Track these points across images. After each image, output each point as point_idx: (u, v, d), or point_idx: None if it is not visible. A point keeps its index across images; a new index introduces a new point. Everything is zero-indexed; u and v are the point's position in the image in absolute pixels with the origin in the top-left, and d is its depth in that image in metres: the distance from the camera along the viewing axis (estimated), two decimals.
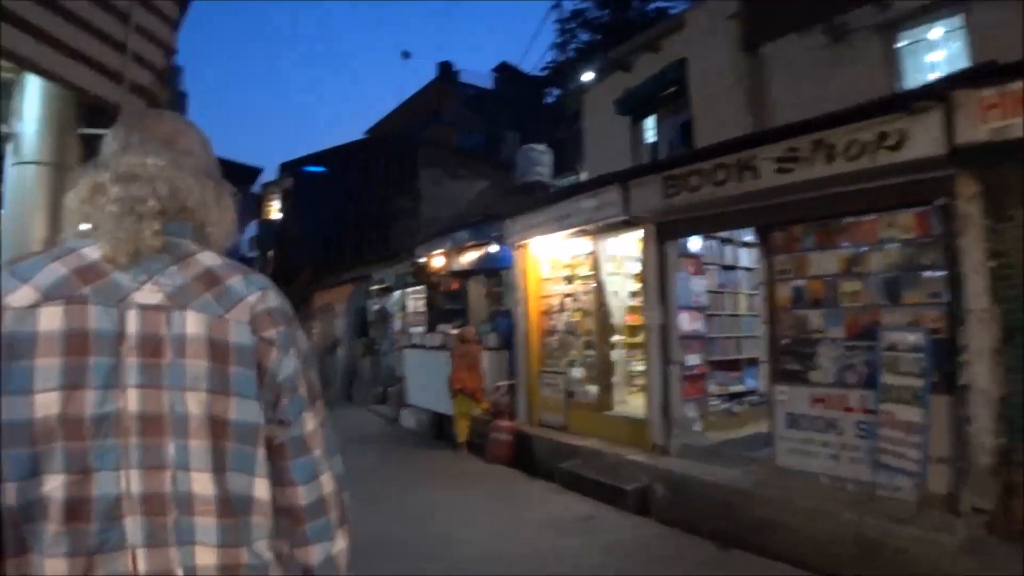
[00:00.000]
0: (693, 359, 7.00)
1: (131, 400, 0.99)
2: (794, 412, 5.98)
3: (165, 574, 0.98)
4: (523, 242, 8.68)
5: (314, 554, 1.15)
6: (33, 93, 3.41)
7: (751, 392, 7.88)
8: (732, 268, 7.86)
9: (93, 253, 1.05)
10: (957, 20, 8.24)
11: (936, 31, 8.45)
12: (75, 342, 0.97)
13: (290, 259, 18.41)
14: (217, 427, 1.03)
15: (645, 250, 7.12)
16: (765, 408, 7.96)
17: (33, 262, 1.03)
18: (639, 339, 8.73)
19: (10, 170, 3.34)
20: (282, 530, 1.12)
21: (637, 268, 8.11)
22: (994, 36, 7.11)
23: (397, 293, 13.54)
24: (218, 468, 1.02)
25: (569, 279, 8.59)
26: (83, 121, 3.70)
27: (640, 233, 7.26)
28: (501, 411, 8.75)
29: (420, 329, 12.14)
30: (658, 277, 6.94)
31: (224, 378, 1.04)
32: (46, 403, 0.95)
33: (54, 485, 0.94)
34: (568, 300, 8.50)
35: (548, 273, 8.93)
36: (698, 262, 7.28)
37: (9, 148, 3.36)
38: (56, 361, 0.96)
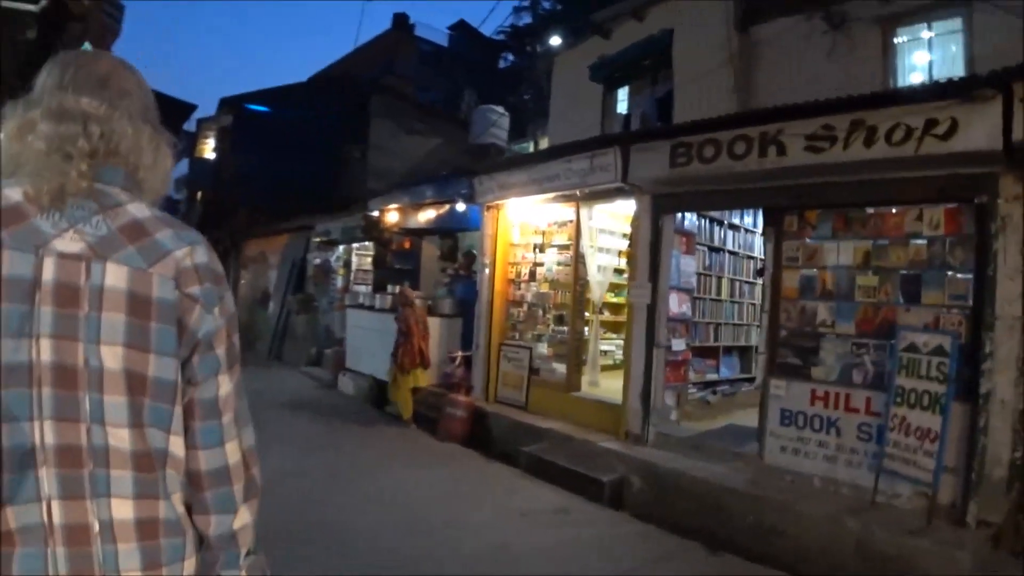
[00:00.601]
0: (678, 344, 6.43)
1: (44, 350, 0.95)
2: (789, 408, 5.58)
3: (80, 526, 0.95)
4: (496, 202, 7.85)
5: (213, 524, 1.09)
6: None
7: (725, 382, 7.44)
8: (719, 250, 7.32)
9: (15, 195, 0.99)
10: (957, 22, 7.95)
11: (935, 31, 8.14)
12: None
13: (223, 202, 16.75)
14: (134, 383, 0.99)
15: (638, 222, 6.47)
16: (738, 399, 7.62)
17: None
18: (608, 318, 8.17)
19: None
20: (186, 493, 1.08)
21: (620, 241, 7.50)
22: (994, 39, 6.87)
23: (341, 247, 12.40)
24: (135, 423, 0.99)
25: (542, 247, 7.85)
26: None
27: (631, 204, 6.60)
28: (456, 384, 7.94)
29: (365, 288, 11.15)
30: (650, 253, 6.30)
31: (144, 334, 1.00)
32: None
33: None
34: (540, 270, 7.77)
35: (519, 239, 8.14)
36: (691, 240, 6.69)
37: None
38: None
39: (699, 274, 7.11)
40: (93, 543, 0.96)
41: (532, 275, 7.82)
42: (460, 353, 8.13)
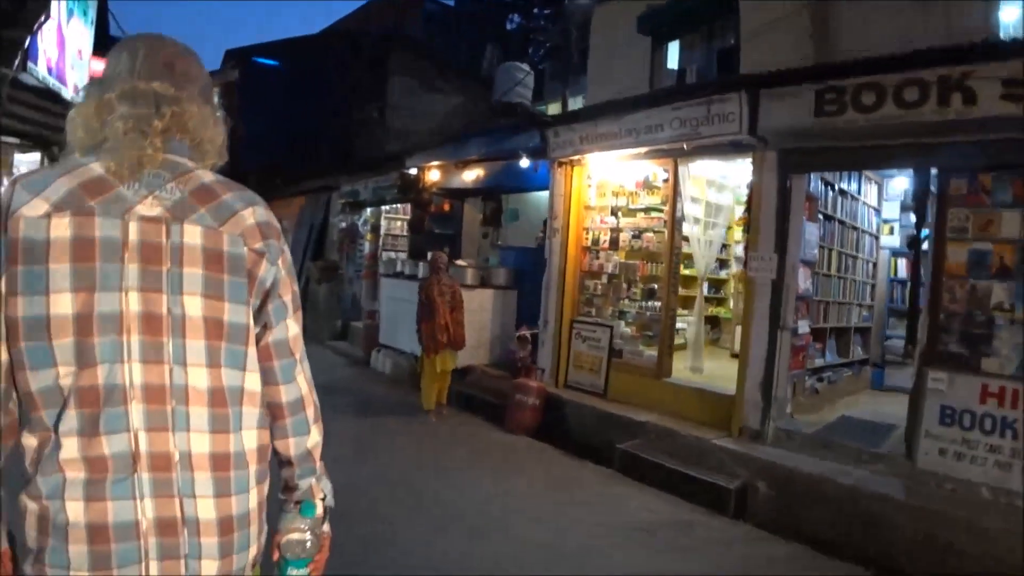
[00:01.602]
0: (803, 325, 5.56)
1: (132, 301, 1.10)
2: (952, 405, 4.78)
3: (163, 454, 1.11)
4: (575, 157, 6.85)
5: (293, 446, 1.31)
6: None
7: (829, 368, 6.61)
8: (830, 219, 6.42)
9: (98, 168, 1.14)
10: None
11: None
12: (82, 249, 1.08)
13: (230, 164, 15.39)
14: (212, 328, 1.15)
15: (759, 183, 5.54)
16: (840, 387, 6.82)
17: (43, 176, 1.12)
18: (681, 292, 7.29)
19: None
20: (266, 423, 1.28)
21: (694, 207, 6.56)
22: None
23: (369, 210, 11.32)
24: (212, 364, 1.15)
25: (626, 211, 6.89)
26: None
27: (727, 164, 5.69)
28: (522, 366, 7.03)
29: (396, 255, 10.15)
30: (776, 219, 5.39)
31: (219, 284, 1.16)
32: (59, 302, 1.07)
33: (66, 373, 1.07)
34: (623, 236, 6.82)
35: (595, 200, 7.18)
36: (814, 205, 5.79)
37: None
38: (66, 266, 1.07)
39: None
40: (173, 470, 1.11)
41: (615, 243, 6.86)
42: (528, 331, 7.18)
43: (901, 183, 7.31)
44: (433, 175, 9.26)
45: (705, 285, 8.76)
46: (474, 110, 14.13)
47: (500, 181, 8.74)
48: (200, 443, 1.12)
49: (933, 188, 5.17)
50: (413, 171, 9.30)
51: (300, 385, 1.29)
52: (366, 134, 13.80)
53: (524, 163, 7.46)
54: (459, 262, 8.19)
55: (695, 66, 10.62)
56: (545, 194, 10.38)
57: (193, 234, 1.13)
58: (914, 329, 5.33)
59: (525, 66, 14.96)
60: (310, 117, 14.47)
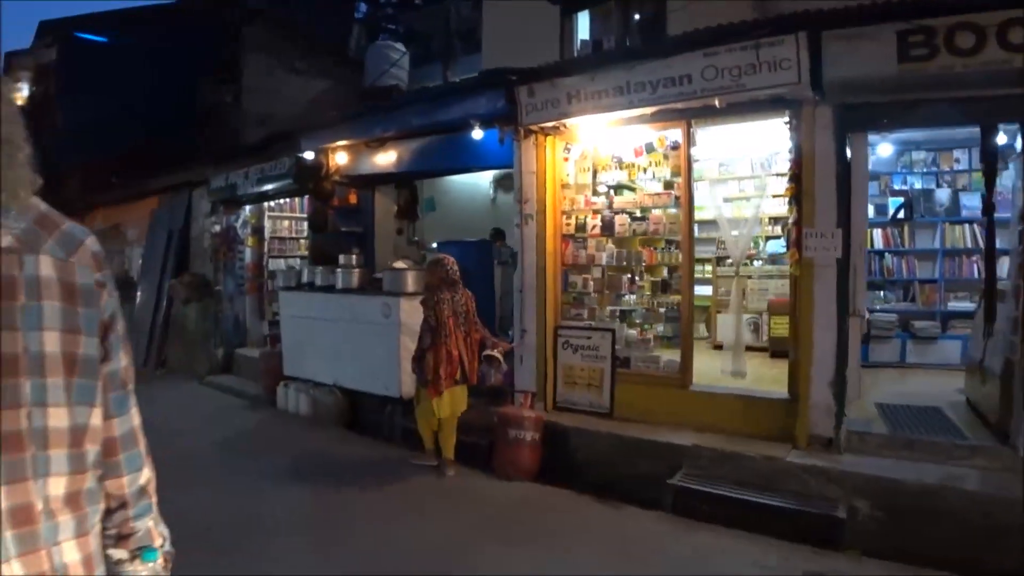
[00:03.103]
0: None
1: None
2: None
3: (25, 506, 0.99)
4: (554, 124, 5.48)
5: (127, 483, 1.19)
6: None
7: None
8: None
9: None
10: None
11: None
12: None
13: (54, 161, 12.14)
14: (67, 363, 1.06)
15: (810, 145, 4.57)
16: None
17: None
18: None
19: None
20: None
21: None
22: None
23: (248, 208, 8.98)
24: (68, 402, 1.06)
25: (619, 188, 5.67)
26: None
27: (784, 119, 4.71)
28: (506, 393, 5.57)
29: (287, 262, 8.06)
30: (837, 188, 4.45)
31: (75, 317, 1.07)
32: None
33: None
34: (622, 219, 5.57)
35: (574, 177, 5.87)
36: None
37: None
38: None
39: None
40: (38, 521, 1.00)
41: (609, 227, 5.58)
42: (500, 346, 5.64)
43: (886, 149, 6.82)
44: (339, 158, 7.37)
45: (665, 269, 7.85)
46: (344, 94, 12.27)
47: (423, 163, 7.12)
48: (58, 486, 1.02)
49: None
50: (310, 155, 7.34)
51: (132, 417, 1.20)
52: (220, 122, 11.37)
53: (476, 134, 5.92)
54: (398, 264, 6.49)
55: (612, 36, 9.74)
56: (467, 178, 8.91)
57: (47, 265, 1.04)
58: (992, 303, 4.65)
59: (399, 46, 13.36)
60: (152, 103, 11.88)
